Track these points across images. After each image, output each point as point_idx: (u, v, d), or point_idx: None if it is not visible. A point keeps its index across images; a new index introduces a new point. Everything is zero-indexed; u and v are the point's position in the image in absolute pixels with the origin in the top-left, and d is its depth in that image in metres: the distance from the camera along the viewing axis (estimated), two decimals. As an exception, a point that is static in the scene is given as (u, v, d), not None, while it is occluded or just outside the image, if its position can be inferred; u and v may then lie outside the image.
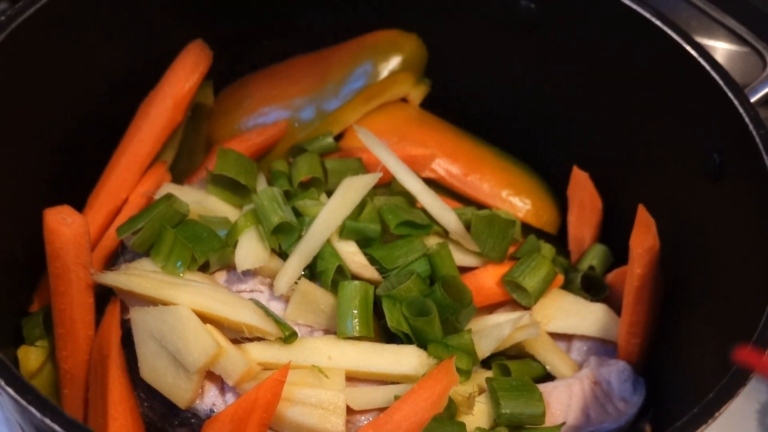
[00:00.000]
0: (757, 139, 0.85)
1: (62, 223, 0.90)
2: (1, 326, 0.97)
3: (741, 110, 0.89)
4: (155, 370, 0.88)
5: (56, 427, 0.59)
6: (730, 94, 0.90)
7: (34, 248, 0.94)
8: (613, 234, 1.13)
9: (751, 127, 0.87)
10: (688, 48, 0.97)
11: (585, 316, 1.05)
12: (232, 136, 1.15)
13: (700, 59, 0.95)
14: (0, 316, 0.97)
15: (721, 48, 1.23)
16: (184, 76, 1.08)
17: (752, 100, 0.93)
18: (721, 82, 0.91)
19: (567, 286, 1.09)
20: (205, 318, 0.89)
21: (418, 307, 0.93)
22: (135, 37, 1.07)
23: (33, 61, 0.95)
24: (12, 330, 0.99)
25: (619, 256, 1.11)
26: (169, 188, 1.03)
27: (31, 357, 0.96)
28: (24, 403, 0.60)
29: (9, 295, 0.98)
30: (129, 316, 0.92)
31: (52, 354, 0.97)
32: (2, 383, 0.61)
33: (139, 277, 0.91)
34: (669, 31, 0.97)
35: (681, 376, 0.97)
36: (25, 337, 0.98)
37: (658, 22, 0.98)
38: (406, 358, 0.91)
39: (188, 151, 1.16)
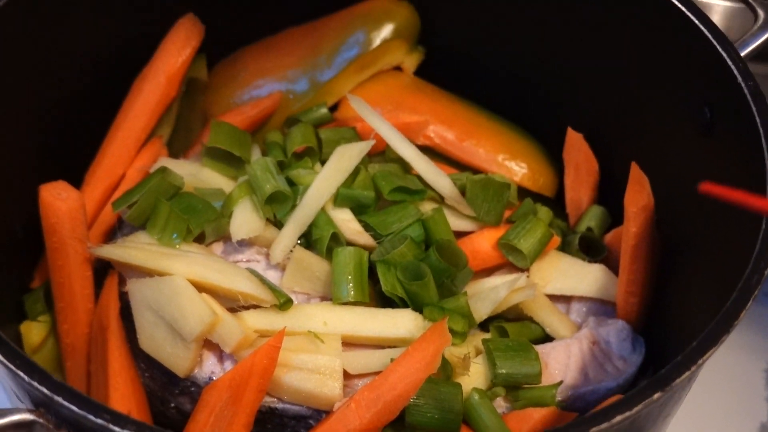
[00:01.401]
0: (746, 91, 0.85)
1: (58, 198, 0.91)
2: (4, 302, 0.99)
3: (730, 62, 0.88)
4: (154, 340, 0.89)
5: (44, 390, 0.60)
6: (718, 47, 0.89)
7: (33, 225, 0.95)
8: (611, 194, 1.12)
9: (740, 79, 0.86)
10: (677, 3, 0.96)
11: (583, 277, 1.04)
12: (227, 109, 1.15)
13: (688, 13, 0.94)
14: (2, 293, 0.98)
15: (715, 4, 1.22)
16: (176, 51, 1.08)
17: (742, 54, 0.93)
18: (709, 35, 0.90)
19: (565, 248, 1.09)
20: (201, 287, 0.90)
21: (413, 271, 0.94)
22: (126, 12, 1.07)
23: (23, 38, 0.96)
24: (14, 306, 1.00)
25: (617, 216, 1.10)
26: (164, 162, 1.04)
27: (33, 332, 0.98)
28: (12, 367, 0.61)
29: (10, 271, 1.00)
30: (127, 288, 0.93)
31: (54, 328, 0.98)
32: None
33: (134, 249, 0.92)
34: (658, -13, 0.96)
35: (679, 333, 0.97)
36: (28, 312, 1.00)
37: (646, -22, 0.97)
38: (402, 322, 0.92)
39: (185, 126, 1.16)
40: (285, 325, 0.89)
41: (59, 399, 0.60)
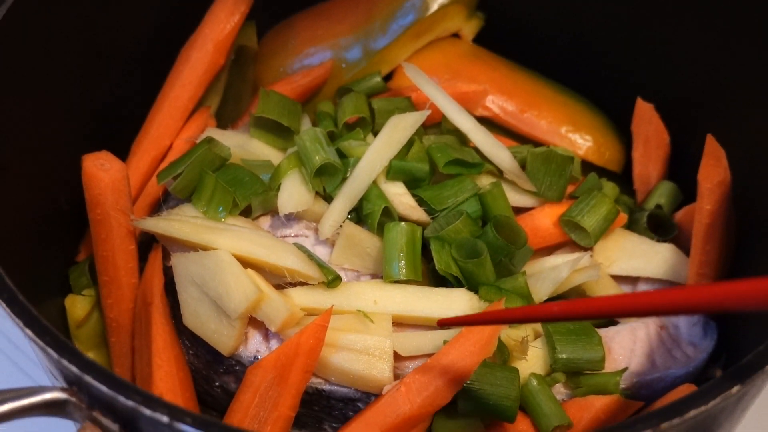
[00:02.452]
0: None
1: (101, 169, 0.88)
2: (49, 276, 0.97)
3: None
4: (198, 316, 0.86)
5: (74, 369, 0.57)
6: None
7: (79, 197, 0.92)
8: (683, 170, 1.06)
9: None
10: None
11: (651, 257, 0.98)
12: (278, 78, 1.12)
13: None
14: (47, 266, 0.97)
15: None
16: (225, 17, 1.04)
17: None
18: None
19: (632, 227, 1.03)
20: (246, 263, 0.86)
21: (469, 249, 0.89)
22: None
23: (71, 5, 0.93)
24: (60, 280, 0.98)
25: (688, 193, 1.04)
26: (211, 133, 1.00)
27: (77, 306, 0.96)
28: (42, 344, 0.58)
29: (55, 244, 0.98)
30: (171, 263, 0.90)
31: (99, 303, 0.96)
32: (21, 324, 0.60)
33: (178, 222, 0.89)
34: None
35: (756, 319, 0.90)
36: (72, 286, 0.98)
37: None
38: (456, 302, 0.87)
39: (234, 96, 1.13)
40: (333, 303, 0.85)
41: (89, 378, 0.57)
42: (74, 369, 0.57)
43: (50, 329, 0.59)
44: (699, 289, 0.59)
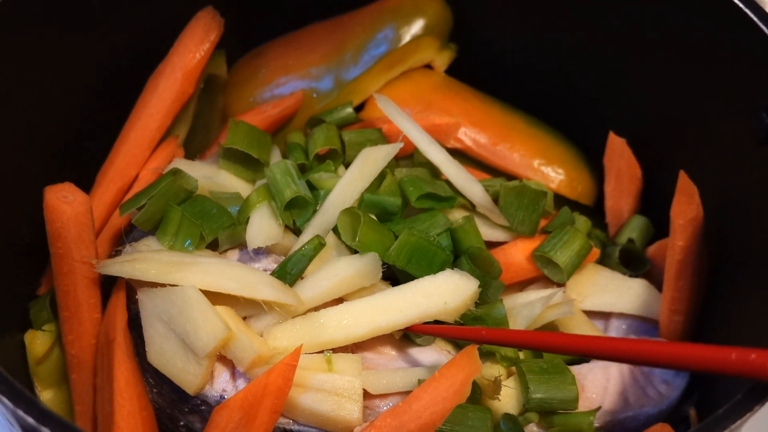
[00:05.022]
0: (810, 95, 0.77)
1: (63, 201, 0.86)
2: (9, 310, 0.94)
3: (793, 65, 0.81)
4: (163, 354, 0.84)
5: (29, 419, 0.54)
6: (780, 47, 0.82)
7: (41, 230, 0.89)
8: (654, 204, 1.06)
9: (803, 82, 0.79)
10: (737, 1, 0.88)
11: (623, 293, 0.98)
12: (247, 108, 1.10)
13: (749, 12, 0.86)
14: (7, 300, 0.94)
15: (771, 2, 1.14)
16: (194, 45, 1.03)
17: (805, 54, 0.85)
18: (769, 33, 0.83)
19: (604, 261, 1.02)
20: (218, 297, 0.84)
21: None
22: (143, 6, 1.02)
23: (34, 34, 0.91)
24: (20, 314, 0.95)
25: (660, 228, 1.03)
26: (179, 164, 0.98)
27: (37, 342, 0.93)
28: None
29: (16, 277, 0.95)
30: (137, 298, 0.87)
31: (60, 338, 0.93)
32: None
33: (143, 262, 0.86)
34: (712, -19, 0.89)
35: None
36: (32, 321, 0.95)
37: (699, -28, 0.90)
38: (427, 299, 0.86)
39: (203, 126, 1.11)
40: (303, 334, 0.83)
41: (46, 430, 0.54)
42: (30, 420, 0.54)
43: (8, 378, 0.57)
44: (667, 346, 0.61)
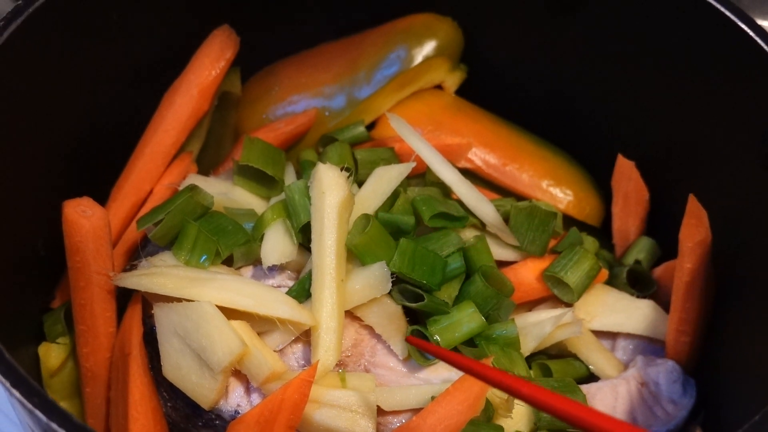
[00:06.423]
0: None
1: (82, 215, 0.87)
2: (23, 323, 0.94)
3: (800, 90, 0.82)
4: (179, 368, 0.84)
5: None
6: (788, 75, 0.84)
7: (56, 242, 0.90)
8: (661, 226, 1.07)
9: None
10: (743, 26, 0.90)
11: (631, 313, 0.99)
12: (260, 125, 1.11)
13: (756, 38, 0.88)
14: (21, 313, 0.94)
15: (776, 28, 1.16)
16: (210, 63, 1.04)
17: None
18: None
19: (612, 282, 1.03)
20: (233, 312, 0.85)
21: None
22: (160, 23, 1.03)
23: (51, 50, 0.92)
24: (34, 327, 0.96)
25: (667, 249, 1.05)
26: (194, 179, 0.99)
27: (52, 355, 0.93)
28: (30, 406, 0.56)
29: (30, 290, 0.96)
30: (152, 312, 0.88)
31: (74, 352, 0.93)
32: (8, 385, 0.58)
33: (160, 276, 0.87)
34: (722, 9, 0.91)
35: (735, 378, 0.91)
36: (47, 333, 0.95)
37: (710, 0, 0.91)
38: None
39: (216, 142, 1.12)
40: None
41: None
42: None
43: (38, 389, 0.57)
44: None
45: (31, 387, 0.58)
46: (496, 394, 0.84)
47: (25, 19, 0.87)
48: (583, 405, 0.60)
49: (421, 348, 0.85)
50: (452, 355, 0.80)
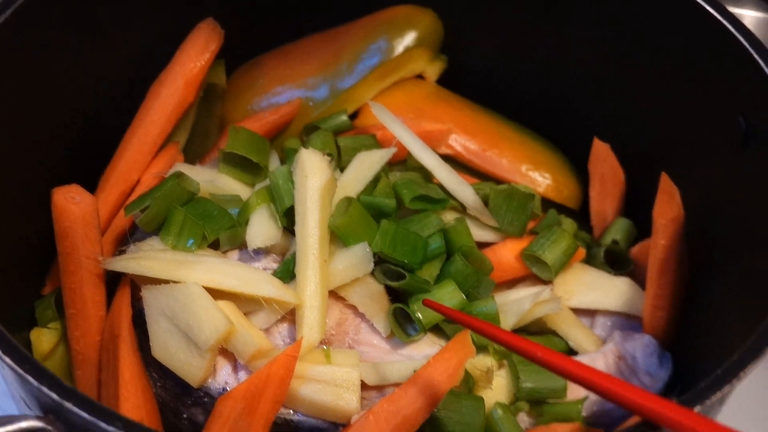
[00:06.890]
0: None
1: (71, 202, 0.89)
2: (15, 309, 0.97)
3: (766, 69, 0.85)
4: (167, 348, 0.87)
5: (53, 395, 0.58)
6: (754, 54, 0.87)
7: (46, 230, 0.93)
8: (638, 207, 1.10)
9: (776, 86, 0.83)
10: (713, 11, 0.93)
11: (608, 291, 1.01)
12: (245, 116, 1.14)
13: (722, 19, 0.91)
14: (13, 299, 0.96)
15: (748, 15, 1.19)
16: (195, 55, 1.06)
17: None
18: (744, 42, 0.88)
19: (590, 261, 1.06)
20: (220, 293, 0.87)
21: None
22: (145, 16, 1.05)
23: (40, 42, 0.95)
24: (26, 313, 0.98)
25: (643, 229, 1.07)
26: (180, 167, 1.01)
27: (43, 339, 0.96)
28: (21, 372, 0.58)
29: (22, 278, 0.98)
30: (141, 295, 0.90)
31: (65, 336, 0.96)
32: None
33: (148, 259, 0.89)
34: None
35: (709, 350, 0.94)
36: (38, 319, 0.97)
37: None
38: None
39: (202, 133, 1.14)
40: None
41: (69, 405, 0.57)
42: (53, 395, 0.57)
43: (29, 356, 0.60)
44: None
45: (22, 354, 0.60)
46: (476, 367, 0.87)
47: (12, 11, 0.89)
48: (595, 369, 0.64)
49: (438, 311, 0.85)
50: (466, 318, 0.82)
